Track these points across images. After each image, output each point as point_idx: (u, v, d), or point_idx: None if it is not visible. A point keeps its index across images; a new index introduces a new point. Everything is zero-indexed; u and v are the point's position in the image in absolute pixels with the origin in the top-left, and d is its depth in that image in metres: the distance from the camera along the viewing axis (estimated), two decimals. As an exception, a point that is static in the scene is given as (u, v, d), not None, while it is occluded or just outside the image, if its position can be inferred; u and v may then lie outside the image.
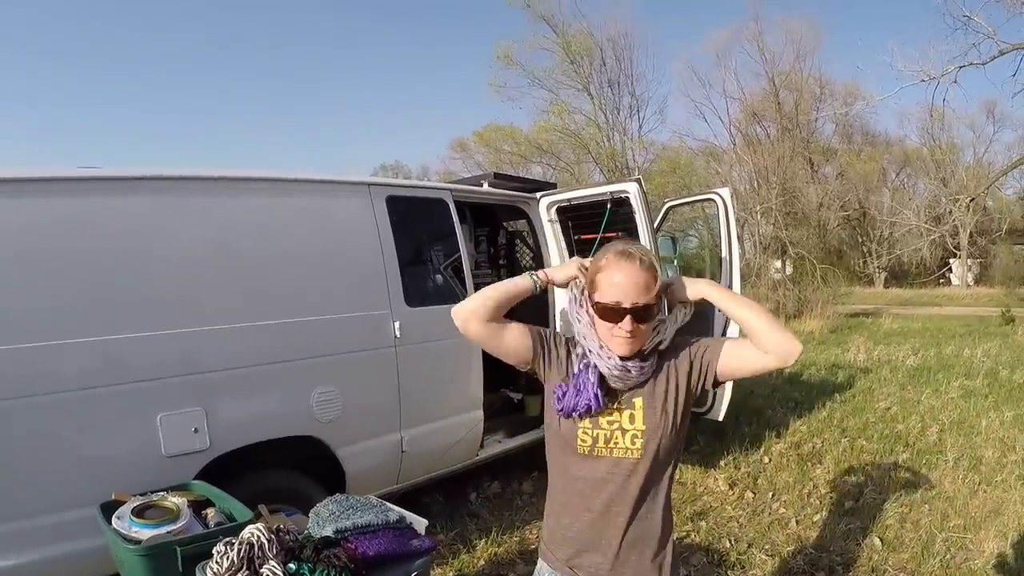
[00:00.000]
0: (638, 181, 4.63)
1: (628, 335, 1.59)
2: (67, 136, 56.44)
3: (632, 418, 1.66)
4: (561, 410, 1.66)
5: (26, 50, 54.58)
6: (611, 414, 1.66)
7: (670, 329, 1.72)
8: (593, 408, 1.63)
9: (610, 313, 1.60)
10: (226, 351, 3.25)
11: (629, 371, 1.64)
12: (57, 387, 2.77)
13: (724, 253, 5.26)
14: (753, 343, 1.64)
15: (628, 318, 1.58)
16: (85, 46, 57.49)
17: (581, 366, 1.68)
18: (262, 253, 3.45)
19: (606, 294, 1.61)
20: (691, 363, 1.71)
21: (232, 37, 61.64)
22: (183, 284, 3.16)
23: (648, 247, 4.43)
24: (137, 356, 2.98)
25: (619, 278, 1.60)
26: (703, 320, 5.25)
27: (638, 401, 1.67)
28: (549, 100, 25.48)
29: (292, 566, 1.77)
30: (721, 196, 5.30)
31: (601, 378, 1.65)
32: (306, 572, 1.75)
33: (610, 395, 1.67)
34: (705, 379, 1.71)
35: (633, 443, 1.65)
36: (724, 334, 5.14)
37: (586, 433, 1.66)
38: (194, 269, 3.21)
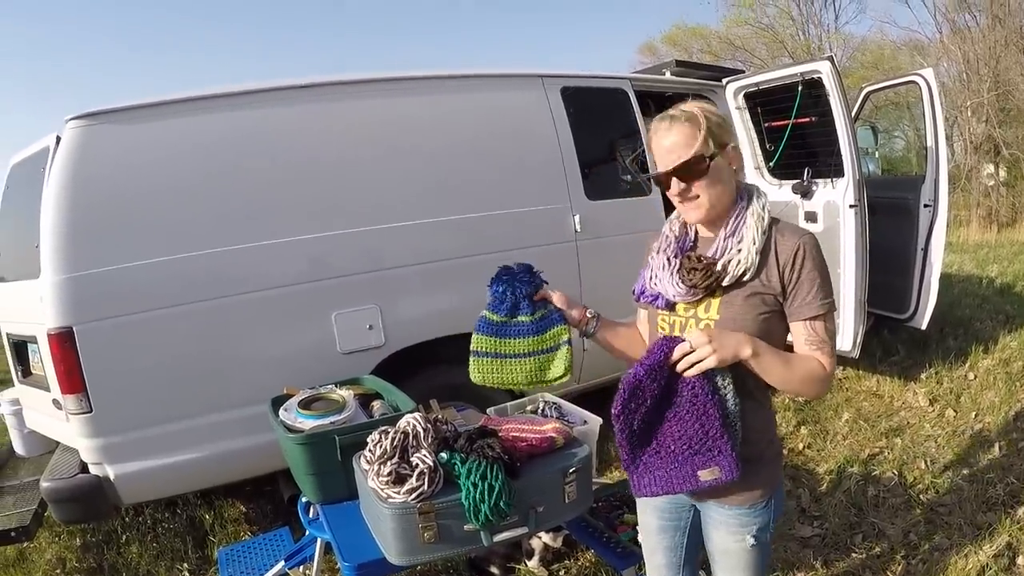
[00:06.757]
0: (830, 59, 4.18)
1: (679, 198, 1.55)
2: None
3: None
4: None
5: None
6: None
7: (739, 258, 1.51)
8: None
9: (660, 183, 1.58)
10: (400, 249, 3.30)
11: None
12: (236, 289, 2.93)
13: (929, 142, 4.71)
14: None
15: (674, 181, 1.52)
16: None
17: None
18: (433, 150, 3.44)
19: (655, 165, 1.58)
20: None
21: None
22: (353, 185, 3.22)
23: (844, 134, 4.10)
24: (308, 257, 3.08)
25: (657, 144, 1.55)
26: (906, 220, 4.77)
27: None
28: (738, -7, 23.78)
29: (444, 455, 1.73)
30: (924, 77, 4.74)
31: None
32: (457, 462, 1.70)
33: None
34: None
35: None
36: (928, 242, 4.64)
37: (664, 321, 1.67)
38: (366, 170, 3.25)
